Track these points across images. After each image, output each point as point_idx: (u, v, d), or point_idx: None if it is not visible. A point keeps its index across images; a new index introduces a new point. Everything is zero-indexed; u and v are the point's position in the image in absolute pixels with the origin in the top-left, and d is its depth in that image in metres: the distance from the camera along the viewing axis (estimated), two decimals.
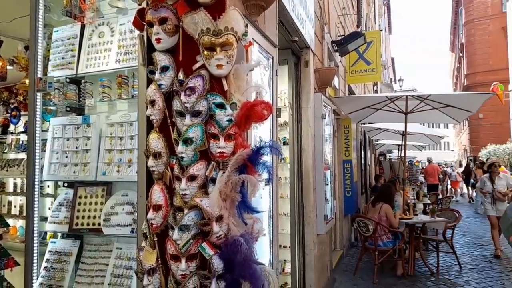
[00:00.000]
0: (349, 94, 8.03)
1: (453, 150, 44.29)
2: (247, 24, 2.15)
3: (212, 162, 1.85)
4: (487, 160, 15.55)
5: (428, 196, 9.38)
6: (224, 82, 1.89)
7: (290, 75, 4.41)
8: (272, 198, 2.89)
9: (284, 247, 4.55)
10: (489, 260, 6.55)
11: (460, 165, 23.35)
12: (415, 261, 5.93)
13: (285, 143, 4.65)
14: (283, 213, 4.61)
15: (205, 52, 1.83)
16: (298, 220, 4.42)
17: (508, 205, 3.72)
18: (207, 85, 1.85)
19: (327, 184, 5.42)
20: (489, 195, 6.96)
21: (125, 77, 2.42)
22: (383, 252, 5.57)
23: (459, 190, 18.52)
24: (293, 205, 4.40)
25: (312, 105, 4.59)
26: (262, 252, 2.83)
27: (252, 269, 1.76)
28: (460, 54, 32.26)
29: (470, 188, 16.32)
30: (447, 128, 40.67)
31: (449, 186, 18.69)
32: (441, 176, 16.61)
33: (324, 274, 5.03)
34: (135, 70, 2.28)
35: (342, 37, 6.19)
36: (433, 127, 25.66)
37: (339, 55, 6.34)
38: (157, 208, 1.86)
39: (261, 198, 2.88)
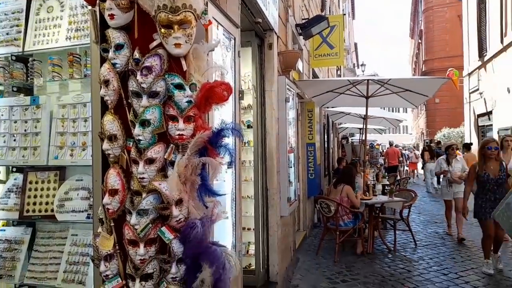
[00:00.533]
0: (313, 78, 8.10)
1: (411, 134, 46.23)
2: (207, 2, 2.08)
3: (171, 145, 1.80)
4: (437, 143, 16.36)
5: (387, 177, 9.75)
6: (183, 62, 1.83)
7: (254, 58, 4.37)
8: (235, 181, 2.89)
9: (248, 229, 4.60)
10: (441, 237, 6.95)
11: (414, 147, 24.53)
12: (374, 240, 6.20)
13: (249, 126, 4.64)
14: (247, 196, 4.63)
15: (162, 30, 1.75)
16: (262, 202, 4.46)
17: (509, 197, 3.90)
18: (165, 64, 1.78)
19: (291, 167, 5.48)
20: (445, 178, 6.99)
21: (77, 55, 2.28)
22: (344, 231, 5.76)
23: (416, 171, 19.42)
24: (257, 188, 4.43)
25: (276, 88, 4.58)
26: (225, 234, 2.83)
27: (211, 251, 1.75)
28: (419, 41, 33.38)
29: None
30: (406, 112, 42.31)
31: (406, 168, 19.56)
32: (400, 158, 17.38)
33: (287, 254, 5.14)
34: (88, 48, 2.15)
35: (306, 20, 6.18)
36: (393, 111, 26.61)
37: (303, 39, 6.35)
38: (113, 192, 1.79)
39: (224, 181, 2.86)
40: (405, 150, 20.97)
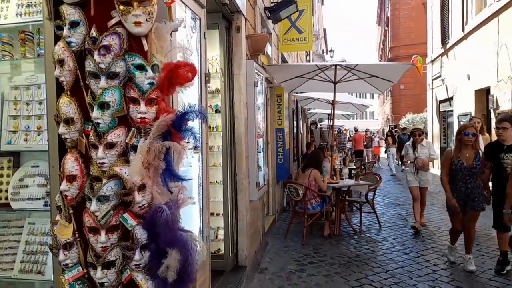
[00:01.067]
0: (282, 63, 8.08)
1: (377, 119, 47.50)
2: None
3: (133, 129, 1.73)
4: (402, 129, 16.87)
5: (354, 161, 9.99)
6: (144, 42, 1.75)
7: (222, 41, 4.28)
8: (202, 166, 2.85)
9: (217, 214, 4.58)
10: (404, 218, 7.24)
11: (378, 132, 25.36)
12: (340, 222, 6.36)
13: (217, 111, 4.58)
14: (216, 181, 4.60)
15: (121, 7, 1.66)
16: (231, 187, 4.45)
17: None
18: (124, 44, 1.70)
19: (260, 152, 5.49)
20: (411, 165, 6.34)
21: (29, 33, 2.13)
22: (311, 215, 5.87)
23: (378, 155, 19.93)
24: (226, 173, 4.40)
25: (244, 72, 4.53)
26: (192, 220, 2.80)
27: (177, 237, 1.72)
28: (386, 28, 34.02)
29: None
30: (373, 98, 43.35)
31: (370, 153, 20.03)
32: (365, 143, 17.87)
33: (256, 238, 5.19)
34: (41, 26, 2.01)
35: (275, 3, 6.12)
36: (360, 97, 27.16)
37: (272, 23, 6.29)
38: (71, 178, 1.71)
39: (191, 166, 2.82)
40: (372, 134, 21.41)
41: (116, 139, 1.69)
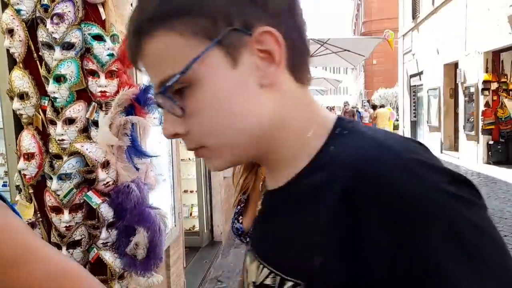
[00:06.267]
0: None
1: (351, 95, 48.07)
2: None
3: (93, 103, 1.65)
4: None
5: None
6: (101, 10, 1.65)
7: None
8: (171, 142, 2.79)
9: (191, 191, 4.56)
10: None
11: (369, 102, 25.51)
12: None
13: None
14: (189, 158, 4.55)
15: None
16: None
17: None
18: (79, 12, 1.59)
19: None
20: None
21: None
22: None
23: None
24: None
25: None
26: (163, 197, 2.77)
27: (145, 214, 1.69)
28: (359, 2, 34.01)
29: None
30: (346, 74, 43.68)
31: None
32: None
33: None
34: None
35: None
36: (334, 73, 27.33)
37: None
38: (29, 156, 1.63)
39: (160, 143, 2.76)
40: (364, 107, 19.56)
41: (75, 114, 1.61)
